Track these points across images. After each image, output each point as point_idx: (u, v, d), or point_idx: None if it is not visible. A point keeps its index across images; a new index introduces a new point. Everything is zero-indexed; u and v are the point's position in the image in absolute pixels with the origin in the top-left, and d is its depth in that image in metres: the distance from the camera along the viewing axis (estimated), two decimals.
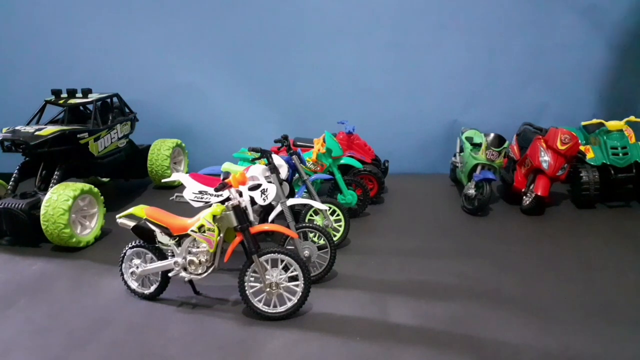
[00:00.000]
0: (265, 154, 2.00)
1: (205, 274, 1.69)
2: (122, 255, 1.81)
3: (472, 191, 2.51)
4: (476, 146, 2.61)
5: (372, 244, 2.20)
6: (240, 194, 1.70)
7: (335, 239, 2.09)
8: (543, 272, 1.90)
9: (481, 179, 2.46)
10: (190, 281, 1.76)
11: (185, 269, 1.71)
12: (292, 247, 1.87)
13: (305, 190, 2.21)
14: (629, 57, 2.85)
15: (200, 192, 1.96)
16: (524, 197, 2.52)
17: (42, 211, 2.16)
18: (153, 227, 1.74)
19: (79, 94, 2.72)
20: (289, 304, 1.65)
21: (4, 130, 2.41)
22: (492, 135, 2.63)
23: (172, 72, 3.24)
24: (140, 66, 3.24)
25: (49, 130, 2.40)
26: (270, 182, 1.96)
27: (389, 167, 2.81)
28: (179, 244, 1.71)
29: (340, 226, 2.19)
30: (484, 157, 2.52)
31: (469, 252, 2.10)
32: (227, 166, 2.26)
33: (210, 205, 1.71)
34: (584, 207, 2.52)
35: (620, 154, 2.49)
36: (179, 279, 1.72)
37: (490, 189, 2.46)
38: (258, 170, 2.01)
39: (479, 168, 2.54)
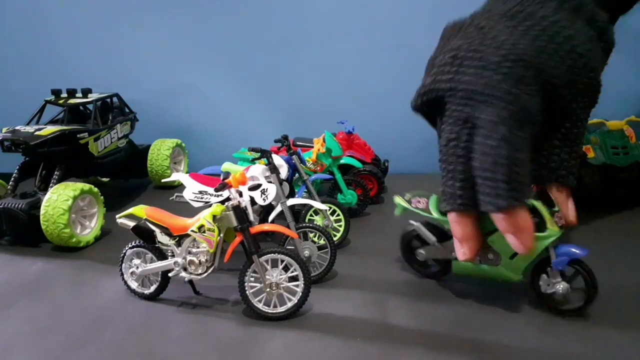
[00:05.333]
0: (265, 154, 2.00)
1: (205, 274, 1.69)
2: (122, 255, 1.81)
3: None
4: None
5: (372, 244, 2.19)
6: (240, 194, 1.70)
7: (335, 239, 2.09)
8: None
9: None
10: (190, 281, 1.76)
11: (185, 269, 1.71)
12: (292, 247, 1.87)
13: (305, 190, 2.21)
14: (631, 56, 2.84)
15: (200, 192, 1.96)
16: None
17: (42, 211, 2.16)
18: (153, 227, 1.74)
19: (79, 94, 2.72)
20: (289, 304, 1.65)
21: (4, 130, 2.41)
22: None
23: (172, 72, 3.24)
24: (140, 66, 3.24)
25: (49, 130, 2.40)
26: (270, 182, 1.96)
27: (389, 167, 2.81)
28: (179, 244, 1.71)
29: (340, 226, 2.18)
30: None
31: None
32: (227, 166, 2.26)
33: (210, 205, 1.71)
34: (583, 207, 2.50)
35: (621, 154, 2.48)
36: (179, 279, 1.72)
37: None
38: (258, 170, 2.01)
39: None
